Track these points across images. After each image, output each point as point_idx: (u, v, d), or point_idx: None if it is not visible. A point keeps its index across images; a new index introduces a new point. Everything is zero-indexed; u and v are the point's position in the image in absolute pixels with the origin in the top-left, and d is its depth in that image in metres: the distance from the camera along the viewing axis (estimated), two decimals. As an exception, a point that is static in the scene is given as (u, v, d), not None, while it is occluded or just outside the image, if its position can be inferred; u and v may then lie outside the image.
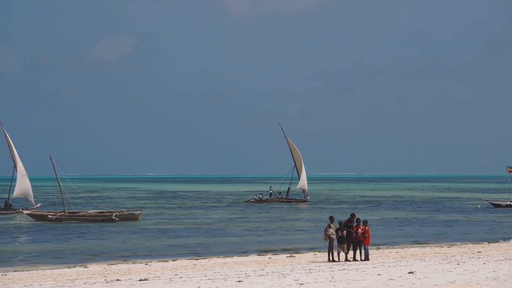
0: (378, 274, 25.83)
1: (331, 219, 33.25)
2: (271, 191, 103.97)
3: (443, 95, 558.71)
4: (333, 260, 32.65)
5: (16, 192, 75.80)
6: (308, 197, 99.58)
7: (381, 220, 65.94)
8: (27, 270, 33.96)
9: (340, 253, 32.71)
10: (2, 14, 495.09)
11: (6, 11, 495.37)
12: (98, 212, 65.64)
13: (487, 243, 45.11)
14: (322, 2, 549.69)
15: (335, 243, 32.62)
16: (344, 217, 35.12)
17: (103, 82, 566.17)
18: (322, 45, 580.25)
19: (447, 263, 30.12)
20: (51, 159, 65.46)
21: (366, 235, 32.48)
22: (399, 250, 40.97)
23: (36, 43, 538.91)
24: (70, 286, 26.05)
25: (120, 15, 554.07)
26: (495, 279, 23.88)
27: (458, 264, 29.45)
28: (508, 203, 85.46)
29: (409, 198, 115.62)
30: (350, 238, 32.55)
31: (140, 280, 27.18)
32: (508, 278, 24.05)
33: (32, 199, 77.06)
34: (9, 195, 77.02)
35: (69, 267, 35.07)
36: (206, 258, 38.16)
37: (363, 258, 32.73)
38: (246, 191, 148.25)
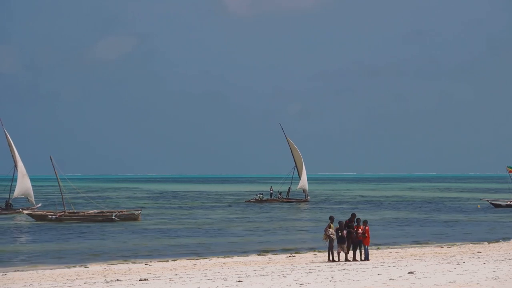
0: (378, 274, 25.83)
1: (331, 219, 33.25)
2: (271, 191, 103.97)
3: (443, 95, 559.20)
4: (333, 260, 32.64)
5: (17, 192, 75.84)
6: (308, 197, 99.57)
7: (381, 220, 65.94)
8: (27, 270, 33.96)
9: (340, 253, 32.71)
10: (2, 14, 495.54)
11: (6, 11, 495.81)
12: (98, 212, 65.64)
13: (487, 243, 45.11)
14: (322, 2, 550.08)
15: (335, 243, 32.61)
16: (345, 217, 35.13)
17: (103, 82, 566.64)
18: (322, 45, 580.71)
19: (447, 263, 30.11)
20: (51, 159, 65.50)
21: (366, 235, 32.48)
22: (399, 250, 40.97)
23: (36, 43, 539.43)
24: (70, 286, 26.05)
25: (120, 15, 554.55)
26: (495, 279, 23.88)
27: (458, 264, 29.45)
28: (508, 203, 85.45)
29: (409, 198, 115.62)
30: (351, 238, 32.55)
31: (140, 280, 27.18)
32: (508, 278, 24.05)
33: (33, 199, 77.10)
34: (9, 195, 77.06)
35: (69, 267, 35.07)
36: (206, 258, 38.16)
37: (363, 258, 32.72)
38: (246, 191, 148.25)
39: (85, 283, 26.83)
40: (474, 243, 44.78)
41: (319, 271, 27.97)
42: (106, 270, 32.76)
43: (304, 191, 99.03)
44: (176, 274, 29.02)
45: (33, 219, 65.10)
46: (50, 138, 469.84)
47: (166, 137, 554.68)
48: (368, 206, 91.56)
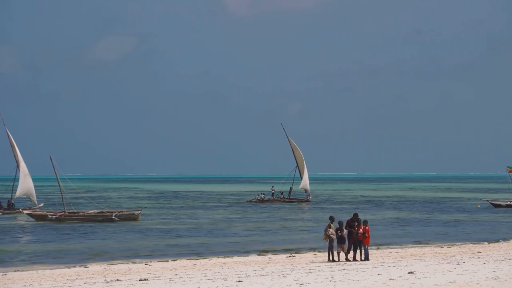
0: (378, 274, 25.83)
1: (331, 219, 33.25)
2: (273, 191, 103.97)
3: (443, 95, 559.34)
4: (333, 260, 32.64)
5: (19, 192, 75.93)
6: (310, 197, 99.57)
7: (381, 220, 65.94)
8: (27, 270, 33.95)
9: (340, 253, 32.70)
10: (2, 14, 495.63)
11: (6, 11, 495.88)
12: (98, 212, 65.64)
13: (487, 243, 45.10)
14: (322, 2, 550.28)
15: (335, 243, 32.61)
16: (347, 217, 35.13)
17: (103, 82, 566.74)
18: (322, 45, 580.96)
19: (447, 263, 30.11)
20: (51, 159, 65.49)
21: (366, 235, 32.47)
22: (399, 250, 40.96)
23: (36, 43, 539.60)
24: (70, 286, 26.04)
25: (120, 15, 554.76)
26: (495, 279, 23.87)
27: (458, 264, 29.44)
28: (508, 203, 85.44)
29: (409, 198, 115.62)
30: (352, 238, 32.55)
31: (140, 280, 27.18)
32: (508, 278, 24.04)
33: (34, 198, 77.16)
34: (12, 195, 77.15)
35: (69, 267, 35.06)
36: (206, 258, 38.16)
37: (363, 258, 32.72)
38: (247, 191, 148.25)
39: (85, 283, 26.83)
40: (474, 243, 44.77)
41: (319, 271, 27.96)
42: (106, 270, 32.76)
43: (305, 191, 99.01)
44: (176, 274, 29.02)
45: (33, 219, 65.10)
46: (50, 138, 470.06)
47: (166, 137, 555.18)
48: (369, 206, 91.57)
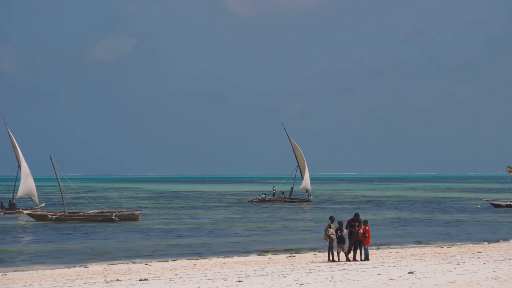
0: (378, 274, 25.83)
1: (331, 219, 33.25)
2: (274, 191, 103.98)
3: (443, 95, 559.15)
4: (333, 260, 32.64)
5: (20, 192, 75.97)
6: (311, 197, 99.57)
7: (382, 220, 65.95)
8: (27, 270, 33.96)
9: (340, 253, 32.70)
10: (2, 14, 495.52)
11: (6, 11, 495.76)
12: (98, 212, 65.64)
13: (487, 243, 45.10)
14: (322, 2, 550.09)
15: (335, 243, 32.61)
16: (348, 217, 35.13)
17: (103, 82, 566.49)
18: (322, 45, 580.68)
19: (447, 263, 30.11)
20: (51, 159, 65.49)
21: (367, 235, 32.48)
22: (399, 250, 40.97)
23: (36, 43, 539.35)
24: (70, 286, 26.05)
25: (120, 15, 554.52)
26: (495, 279, 23.88)
27: (458, 264, 29.44)
28: (508, 203, 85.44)
29: (410, 198, 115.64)
30: (353, 238, 32.55)
31: (140, 280, 27.18)
32: (508, 278, 24.04)
33: (36, 198, 77.21)
34: (13, 195, 77.21)
35: (69, 267, 35.07)
36: (206, 258, 38.16)
37: (363, 258, 32.72)
38: (247, 191, 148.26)
39: (85, 283, 26.83)
40: (474, 243, 44.77)
41: (319, 271, 27.96)
42: (106, 270, 32.76)
43: (306, 191, 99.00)
44: (176, 274, 29.02)
45: (33, 219, 65.11)
46: (50, 138, 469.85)
47: (166, 137, 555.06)
48: (370, 206, 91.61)
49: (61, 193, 67.02)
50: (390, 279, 24.36)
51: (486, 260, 30.89)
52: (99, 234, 52.79)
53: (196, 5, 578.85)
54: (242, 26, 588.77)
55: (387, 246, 43.57)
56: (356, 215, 33.21)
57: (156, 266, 34.49)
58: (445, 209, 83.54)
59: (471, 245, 43.65)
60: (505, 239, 47.93)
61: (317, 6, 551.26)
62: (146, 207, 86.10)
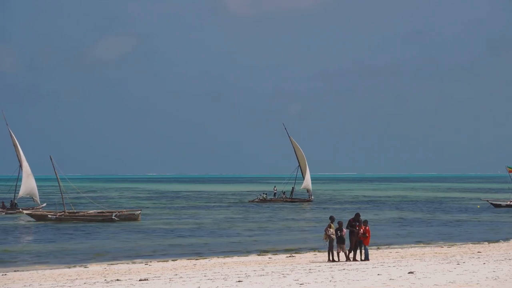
0: (378, 274, 25.83)
1: (332, 219, 33.25)
2: (275, 191, 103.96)
3: (443, 95, 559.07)
4: (333, 260, 32.63)
5: (22, 192, 75.99)
6: (312, 197, 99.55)
7: (382, 220, 65.96)
8: (27, 270, 33.96)
9: (340, 253, 32.70)
10: (2, 14, 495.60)
11: (6, 11, 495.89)
12: (98, 212, 65.65)
13: (487, 243, 45.10)
14: (322, 2, 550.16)
15: (335, 243, 32.61)
16: (349, 217, 35.14)
17: (103, 82, 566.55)
18: (322, 45, 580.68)
19: (447, 263, 30.11)
20: (51, 159, 65.48)
21: (367, 235, 32.48)
22: (399, 250, 40.96)
23: (36, 43, 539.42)
24: (70, 286, 26.05)
25: (120, 15, 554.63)
26: (495, 279, 23.87)
27: (458, 264, 29.44)
28: (508, 203, 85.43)
29: (411, 198, 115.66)
30: (354, 238, 32.54)
31: (140, 280, 27.18)
32: (508, 278, 24.04)
33: (37, 198, 77.23)
34: (15, 195, 77.24)
35: (69, 267, 35.07)
36: (206, 258, 38.16)
37: (363, 258, 32.72)
38: (248, 191, 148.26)
39: (85, 283, 26.84)
40: (474, 243, 44.77)
41: (319, 271, 27.96)
42: (106, 270, 32.76)
43: (308, 191, 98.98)
44: (176, 274, 29.02)
45: (33, 219, 65.11)
46: (50, 138, 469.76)
47: (166, 137, 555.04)
48: (371, 206, 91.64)
49: (61, 193, 67.02)
50: (390, 279, 24.36)
51: (486, 260, 30.89)
52: (99, 234, 52.79)
53: (196, 5, 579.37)
54: (242, 26, 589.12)
55: (387, 246, 43.57)
56: (357, 215, 33.20)
57: (156, 266, 34.49)
58: (446, 209, 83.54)
59: (471, 245, 43.65)
60: (505, 239, 47.93)
61: (317, 6, 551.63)
62: (146, 207, 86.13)
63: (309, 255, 38.30)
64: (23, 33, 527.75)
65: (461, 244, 44.07)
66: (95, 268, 34.35)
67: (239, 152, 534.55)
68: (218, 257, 38.51)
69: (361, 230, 32.39)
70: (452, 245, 43.42)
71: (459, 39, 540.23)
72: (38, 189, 77.99)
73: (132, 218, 64.63)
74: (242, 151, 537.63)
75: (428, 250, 40.29)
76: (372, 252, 35.93)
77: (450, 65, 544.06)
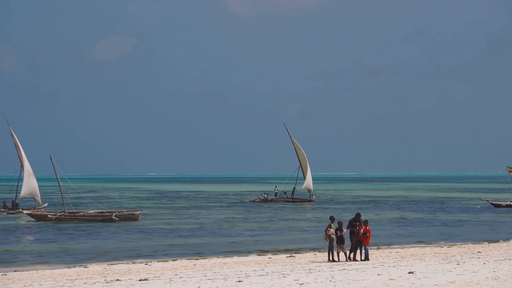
0: (378, 274, 25.83)
1: (332, 219, 33.25)
2: (276, 191, 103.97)
3: (443, 95, 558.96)
4: (333, 260, 32.63)
5: (23, 192, 76.03)
6: (313, 197, 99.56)
7: (382, 220, 65.96)
8: (27, 270, 33.97)
9: (340, 253, 32.70)
10: (2, 14, 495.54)
11: (6, 11, 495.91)
12: (98, 212, 65.66)
13: (487, 243, 45.10)
14: (322, 2, 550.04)
15: (335, 243, 32.60)
16: (350, 217, 35.13)
17: (103, 82, 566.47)
18: (322, 45, 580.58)
19: (447, 263, 30.11)
20: (51, 159, 65.48)
21: (368, 235, 32.47)
22: (399, 250, 40.96)
23: (36, 43, 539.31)
24: (70, 286, 26.05)
25: (120, 15, 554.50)
26: (495, 279, 23.87)
27: (458, 264, 29.44)
28: (508, 203, 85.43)
29: (411, 198, 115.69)
30: (355, 238, 32.54)
31: (140, 280, 27.19)
32: (508, 278, 24.04)
33: (39, 198, 77.25)
34: (16, 195, 77.26)
35: (69, 267, 35.08)
36: (206, 258, 38.16)
37: (363, 258, 32.72)
38: (248, 191, 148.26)
39: (85, 283, 26.84)
40: (474, 243, 44.77)
41: (319, 271, 27.96)
42: (106, 270, 32.77)
43: (309, 191, 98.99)
44: (176, 274, 29.03)
45: (33, 219, 65.12)
46: (50, 138, 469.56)
47: (166, 137, 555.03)
48: (372, 206, 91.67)
49: (61, 193, 67.03)
50: (390, 279, 24.36)
51: (486, 260, 30.89)
52: (99, 234, 52.79)
53: (196, 5, 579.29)
54: (242, 26, 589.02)
55: (387, 246, 43.58)
56: (358, 215, 33.20)
57: (156, 266, 34.50)
58: (447, 209, 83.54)
59: (471, 245, 43.65)
60: (505, 239, 47.93)
61: (317, 6, 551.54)
62: (147, 207, 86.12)
63: (309, 255, 38.30)
64: (23, 33, 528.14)
65: (461, 244, 44.07)
66: (95, 268, 34.35)
67: (239, 152, 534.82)
68: (218, 257, 38.52)
69: (362, 230, 32.40)
70: (452, 245, 43.42)
71: (459, 39, 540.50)
72: (39, 189, 78.01)
73: (132, 218, 64.64)
74: (242, 151, 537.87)
75: (428, 250, 40.29)
76: (372, 252, 35.93)
77: (450, 65, 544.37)
